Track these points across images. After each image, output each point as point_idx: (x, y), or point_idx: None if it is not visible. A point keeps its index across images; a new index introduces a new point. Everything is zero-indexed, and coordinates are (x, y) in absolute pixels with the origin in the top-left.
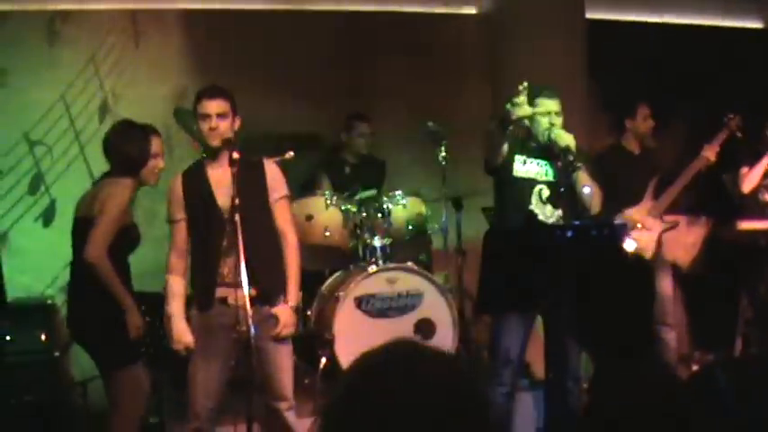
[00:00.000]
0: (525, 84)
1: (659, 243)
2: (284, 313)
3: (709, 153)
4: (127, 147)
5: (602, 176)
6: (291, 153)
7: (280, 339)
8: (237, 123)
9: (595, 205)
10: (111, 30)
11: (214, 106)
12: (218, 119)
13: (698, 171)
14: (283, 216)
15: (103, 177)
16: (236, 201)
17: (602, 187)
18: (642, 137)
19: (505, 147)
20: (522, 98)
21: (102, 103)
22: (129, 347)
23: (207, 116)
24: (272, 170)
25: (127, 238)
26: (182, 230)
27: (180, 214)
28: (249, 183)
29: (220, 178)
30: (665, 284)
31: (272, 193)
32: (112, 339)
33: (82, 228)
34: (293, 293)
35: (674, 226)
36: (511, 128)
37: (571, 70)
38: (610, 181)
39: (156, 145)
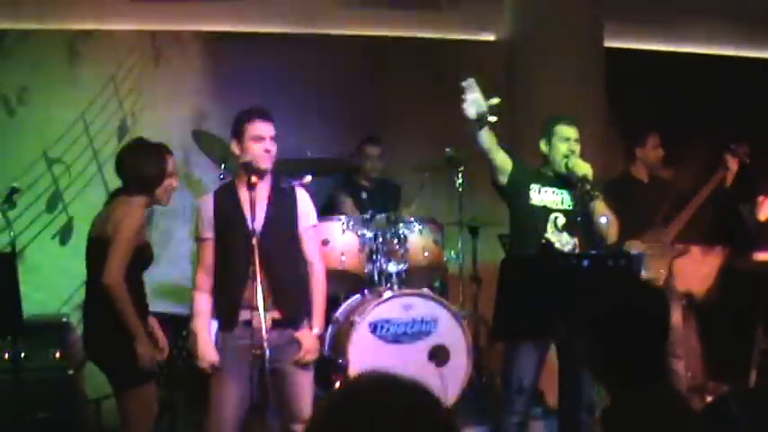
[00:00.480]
0: (471, 80)
1: (669, 272)
2: (308, 338)
3: (718, 179)
4: (143, 166)
5: (611, 205)
6: (309, 178)
7: (301, 365)
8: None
9: (612, 234)
10: (132, 50)
11: (270, 129)
12: (272, 142)
13: (704, 199)
14: (312, 244)
15: (116, 195)
16: (259, 224)
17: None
18: (652, 166)
19: (498, 153)
20: (471, 96)
21: (122, 124)
22: (142, 367)
23: (262, 138)
24: (303, 198)
25: (140, 257)
26: (210, 249)
27: (209, 233)
28: (281, 208)
29: (256, 201)
30: (676, 315)
31: (303, 220)
32: (125, 359)
33: (96, 247)
34: (319, 320)
35: (683, 253)
36: (485, 125)
37: (589, 98)
38: (618, 209)
39: (170, 164)
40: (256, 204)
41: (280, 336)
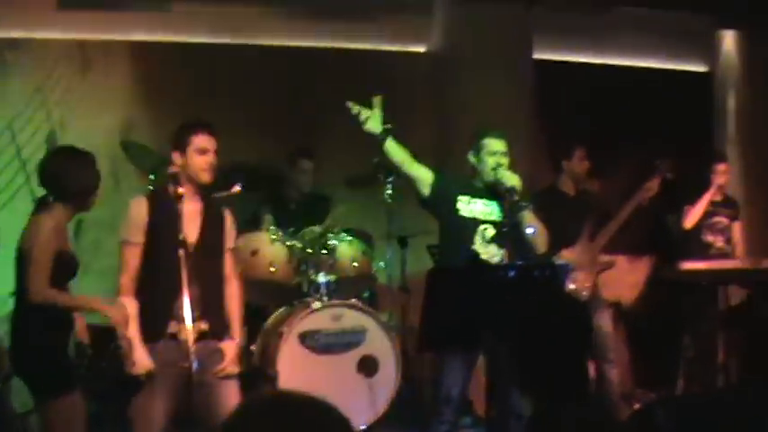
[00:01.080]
0: (379, 97)
1: (596, 283)
2: (231, 349)
3: (645, 193)
4: (81, 176)
5: (538, 218)
6: (238, 188)
7: (225, 376)
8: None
9: (541, 245)
10: (60, 59)
11: (213, 143)
12: (215, 155)
13: (631, 211)
14: (231, 264)
15: (37, 205)
16: (194, 236)
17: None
18: (578, 178)
19: (413, 164)
20: (367, 112)
21: (50, 133)
22: (65, 377)
23: (206, 151)
24: (230, 219)
25: (64, 267)
26: (138, 254)
27: (138, 237)
28: (213, 224)
29: (187, 211)
30: (606, 322)
31: (228, 240)
32: (47, 368)
33: (19, 259)
34: (238, 331)
35: (609, 266)
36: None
37: (518, 110)
38: (545, 222)
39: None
40: (187, 216)
41: (205, 347)
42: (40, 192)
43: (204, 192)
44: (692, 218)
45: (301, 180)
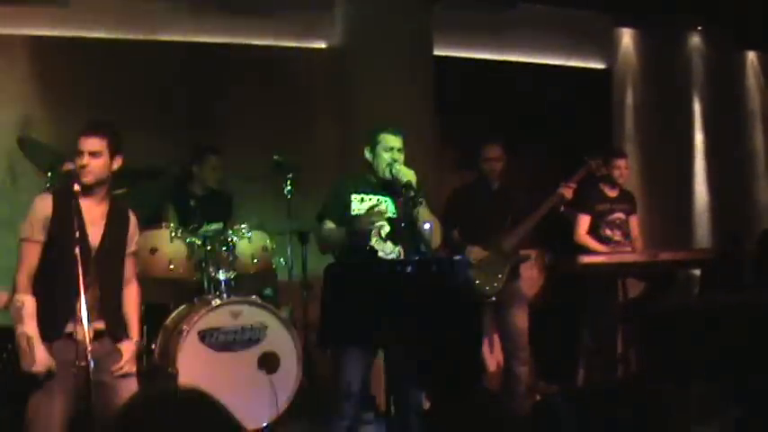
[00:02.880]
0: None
1: (511, 276)
2: (128, 349)
3: (566, 191)
4: None
5: (460, 213)
6: (124, 189)
7: (123, 375)
8: (117, 163)
9: (435, 240)
10: None
11: (88, 144)
12: (90, 157)
13: (552, 207)
14: (132, 267)
15: None
16: (77, 235)
17: (461, 224)
18: (494, 175)
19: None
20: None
21: None
22: None
23: (80, 153)
24: (134, 223)
25: None
26: (37, 252)
27: (39, 235)
28: (117, 228)
29: (92, 214)
30: (521, 318)
31: (131, 244)
32: None
33: None
34: (137, 331)
35: (524, 260)
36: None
37: (418, 106)
38: (466, 218)
39: None
40: (91, 217)
41: (101, 346)
42: None
43: (109, 193)
44: (582, 224)
45: (208, 176)
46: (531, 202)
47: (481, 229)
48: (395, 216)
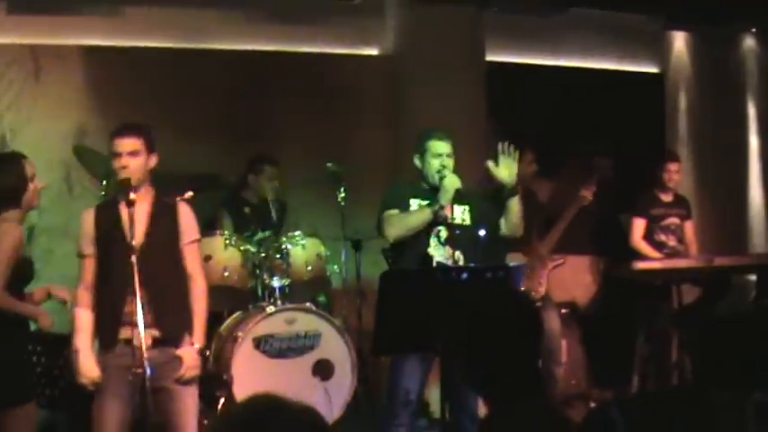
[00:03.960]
0: None
1: (546, 282)
2: (188, 355)
3: (586, 193)
4: (4, 180)
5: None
6: (191, 193)
7: (184, 381)
8: (153, 161)
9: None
10: (11, 65)
11: (124, 144)
12: (129, 156)
13: (576, 211)
14: (193, 259)
15: None
16: (138, 240)
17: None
18: (524, 180)
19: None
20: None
21: (1, 139)
22: (23, 386)
23: (118, 154)
24: (185, 212)
25: (20, 274)
26: (90, 265)
27: (89, 249)
28: (162, 224)
29: (138, 217)
30: (554, 323)
31: (185, 236)
32: (6, 378)
33: None
34: (200, 335)
35: (559, 264)
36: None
37: (470, 112)
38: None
39: (28, 169)
40: (136, 220)
41: (161, 354)
42: None
43: (155, 195)
44: (637, 229)
45: (265, 187)
46: (556, 206)
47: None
48: (453, 222)
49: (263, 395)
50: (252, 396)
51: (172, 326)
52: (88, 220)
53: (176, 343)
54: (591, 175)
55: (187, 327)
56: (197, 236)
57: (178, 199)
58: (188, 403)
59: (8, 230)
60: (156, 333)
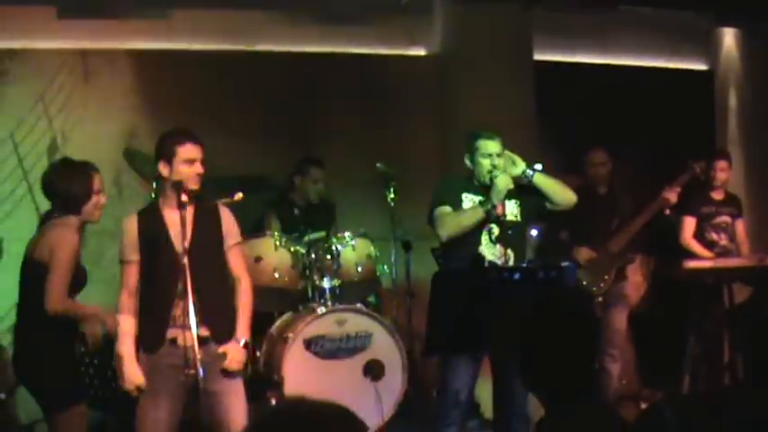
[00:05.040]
0: None
1: (618, 278)
2: (233, 348)
3: (670, 195)
4: (70, 186)
5: (568, 215)
6: (240, 195)
7: (231, 381)
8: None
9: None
10: (61, 69)
11: (200, 151)
12: (200, 164)
13: (656, 211)
14: (237, 261)
15: (47, 218)
16: (186, 244)
17: (569, 226)
18: (599, 179)
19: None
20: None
21: (51, 143)
22: (74, 388)
23: (193, 161)
24: (226, 216)
25: (75, 280)
26: (134, 271)
27: (134, 255)
28: (205, 227)
29: (177, 220)
30: (620, 320)
31: (227, 239)
32: (59, 380)
33: (32, 271)
34: (243, 329)
35: (630, 261)
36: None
37: (519, 111)
38: (574, 220)
39: (96, 181)
40: (179, 224)
41: (206, 353)
42: (44, 202)
43: (197, 198)
44: (688, 227)
45: (310, 188)
46: (637, 205)
47: (588, 232)
48: (504, 220)
49: (299, 399)
50: (287, 401)
51: (219, 326)
52: (131, 226)
53: (222, 342)
54: (678, 177)
55: (232, 326)
56: (239, 238)
57: (219, 203)
58: (235, 402)
59: (68, 236)
60: (203, 333)
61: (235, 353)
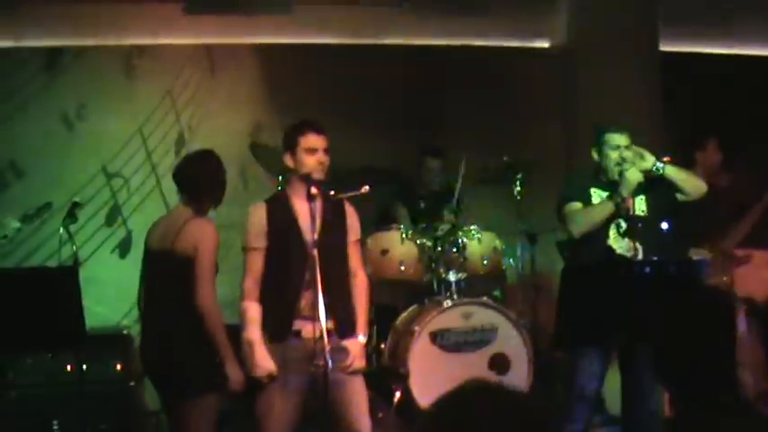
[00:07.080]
0: None
1: (732, 279)
2: (355, 346)
3: None
4: (222, 177)
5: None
6: (367, 187)
7: (351, 372)
8: None
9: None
10: (187, 64)
11: (322, 141)
12: (324, 153)
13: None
14: (357, 256)
15: (182, 208)
16: (316, 235)
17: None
18: (711, 170)
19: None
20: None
21: (179, 137)
22: (211, 375)
23: (315, 150)
24: (351, 212)
25: None
26: (260, 258)
27: (261, 243)
28: (333, 221)
29: (306, 212)
30: (740, 323)
31: (351, 234)
32: (197, 367)
33: (174, 262)
34: (363, 328)
35: (745, 261)
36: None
37: (645, 104)
38: (688, 218)
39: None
40: (308, 217)
41: (329, 344)
42: (172, 194)
43: (325, 191)
44: None
45: (428, 178)
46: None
47: (704, 230)
48: (633, 213)
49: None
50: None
51: (343, 319)
52: (260, 214)
53: (345, 335)
54: None
55: (355, 320)
56: (359, 235)
57: (344, 197)
58: (359, 394)
59: (211, 231)
60: (329, 325)
61: (357, 350)
